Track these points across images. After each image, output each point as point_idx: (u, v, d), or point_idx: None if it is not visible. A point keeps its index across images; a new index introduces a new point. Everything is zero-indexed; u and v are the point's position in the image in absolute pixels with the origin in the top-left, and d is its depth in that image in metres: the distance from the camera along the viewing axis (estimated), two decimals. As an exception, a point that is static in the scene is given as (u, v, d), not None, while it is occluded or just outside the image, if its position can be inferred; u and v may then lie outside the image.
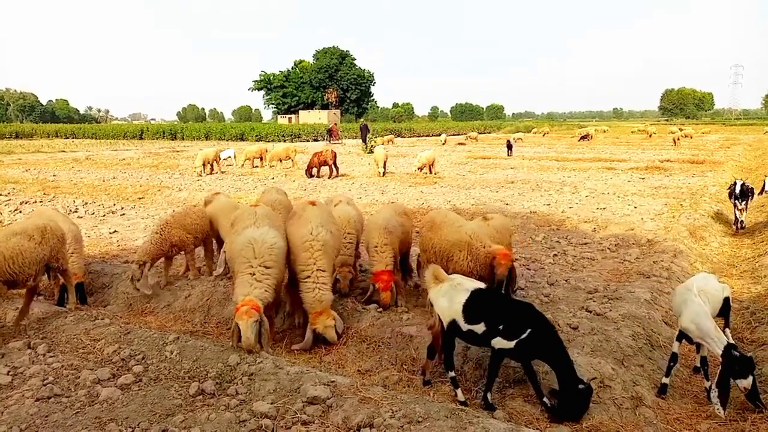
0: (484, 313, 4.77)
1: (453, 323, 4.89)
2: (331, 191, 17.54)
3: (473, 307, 4.81)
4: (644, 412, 4.76)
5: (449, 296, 4.93)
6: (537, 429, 4.43)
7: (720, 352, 4.63)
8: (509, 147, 32.64)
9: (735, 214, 12.21)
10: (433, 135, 52.63)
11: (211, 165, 23.69)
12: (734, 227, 12.25)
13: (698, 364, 5.37)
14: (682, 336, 5.13)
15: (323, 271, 6.03)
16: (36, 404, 4.52)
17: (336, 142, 48.21)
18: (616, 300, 7.13)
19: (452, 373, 4.99)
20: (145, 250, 7.41)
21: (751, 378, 4.53)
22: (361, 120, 47.74)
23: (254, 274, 5.67)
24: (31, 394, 4.67)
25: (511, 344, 4.63)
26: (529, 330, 4.60)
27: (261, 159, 26.39)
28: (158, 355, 5.41)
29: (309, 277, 5.98)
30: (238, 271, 5.80)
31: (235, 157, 28.02)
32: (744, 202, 11.81)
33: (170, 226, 7.65)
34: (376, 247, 7.00)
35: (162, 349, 5.48)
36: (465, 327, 4.82)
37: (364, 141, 37.13)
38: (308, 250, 6.07)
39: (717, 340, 4.71)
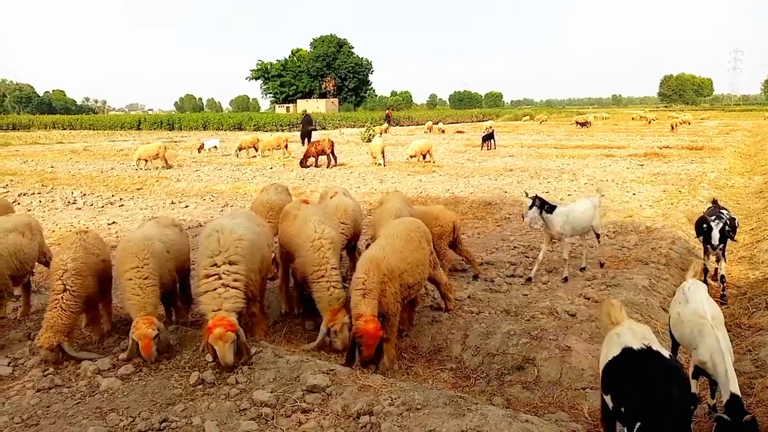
0: (615, 383, 3.72)
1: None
2: (330, 181, 17.53)
3: (612, 371, 3.77)
4: (642, 397, 4.79)
5: (608, 347, 3.92)
6: (535, 415, 4.46)
7: (726, 398, 3.91)
8: (489, 138, 27.83)
9: (705, 264, 7.68)
10: (433, 123, 52.52)
11: (164, 159, 22.05)
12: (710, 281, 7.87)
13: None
14: (699, 372, 4.36)
15: (335, 268, 5.83)
16: (37, 395, 4.55)
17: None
18: (614, 287, 7.15)
19: None
20: (55, 324, 5.10)
21: None
22: (303, 110, 43.63)
23: (221, 278, 5.11)
24: (32, 385, 4.70)
25: None
26: (638, 424, 3.39)
27: (255, 149, 26.39)
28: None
29: (323, 276, 5.73)
30: (202, 266, 5.24)
31: (217, 147, 28.28)
32: (722, 245, 7.43)
33: (81, 275, 5.34)
34: None
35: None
36: (602, 394, 3.86)
37: (304, 136, 29.13)
38: (319, 249, 5.87)
39: (727, 387, 3.96)
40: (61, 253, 5.46)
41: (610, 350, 3.83)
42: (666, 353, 3.68)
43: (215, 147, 28.31)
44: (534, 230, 10.56)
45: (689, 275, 5.00)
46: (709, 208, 8.20)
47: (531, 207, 7.58)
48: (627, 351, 3.71)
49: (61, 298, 5.17)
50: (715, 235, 7.30)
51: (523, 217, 8.03)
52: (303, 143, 28.46)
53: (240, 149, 26.16)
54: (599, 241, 8.49)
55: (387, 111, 68.05)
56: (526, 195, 7.94)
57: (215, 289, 5.06)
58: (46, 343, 5.01)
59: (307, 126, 30.47)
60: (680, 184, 15.08)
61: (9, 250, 5.91)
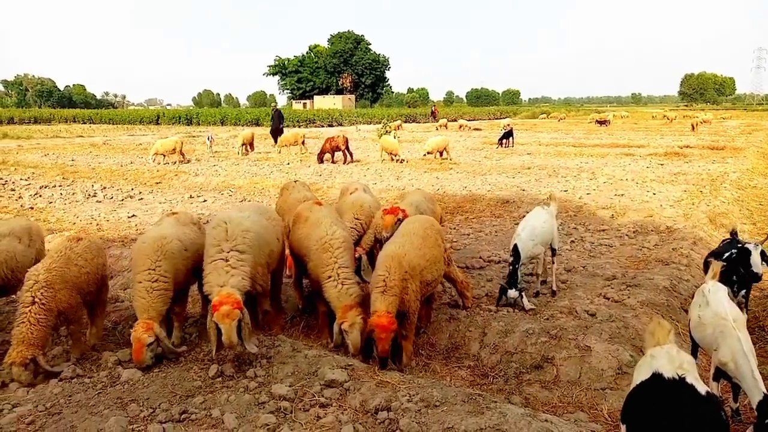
0: (634, 413, 3.33)
1: None
2: (346, 177, 17.55)
3: (634, 398, 3.37)
4: (663, 399, 4.73)
5: (639, 369, 3.52)
6: (554, 415, 4.43)
7: (756, 402, 3.82)
8: (507, 136, 27.68)
9: None
10: (449, 121, 52.29)
11: (180, 153, 22.38)
12: None
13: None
14: (720, 374, 4.25)
15: (346, 268, 5.70)
16: (59, 384, 4.61)
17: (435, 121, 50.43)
18: (635, 287, 7.06)
19: None
20: (26, 338, 4.71)
21: None
22: (273, 105, 42.43)
23: (228, 260, 5.05)
24: (55, 375, 4.76)
25: None
26: None
27: (251, 146, 26.05)
28: (178, 338, 5.47)
29: (330, 276, 5.62)
30: (209, 255, 5.19)
31: (211, 141, 28.01)
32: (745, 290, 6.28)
33: (53, 288, 4.95)
34: None
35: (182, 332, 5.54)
36: (621, 423, 3.45)
37: (277, 133, 27.56)
38: (328, 250, 5.75)
39: (755, 388, 3.89)
40: (40, 262, 5.19)
41: (639, 374, 3.44)
42: (703, 389, 3.20)
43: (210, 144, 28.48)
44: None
45: (708, 277, 4.95)
46: (724, 241, 6.83)
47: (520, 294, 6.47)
48: (656, 378, 3.27)
49: (29, 311, 4.78)
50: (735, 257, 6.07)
51: (504, 301, 6.58)
52: (275, 141, 26.98)
53: (243, 145, 26.17)
54: (553, 260, 7.22)
55: (433, 108, 69.52)
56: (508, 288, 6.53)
57: (221, 268, 5.03)
58: (18, 358, 4.61)
59: (277, 122, 28.82)
60: (701, 184, 14.85)
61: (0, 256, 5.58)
